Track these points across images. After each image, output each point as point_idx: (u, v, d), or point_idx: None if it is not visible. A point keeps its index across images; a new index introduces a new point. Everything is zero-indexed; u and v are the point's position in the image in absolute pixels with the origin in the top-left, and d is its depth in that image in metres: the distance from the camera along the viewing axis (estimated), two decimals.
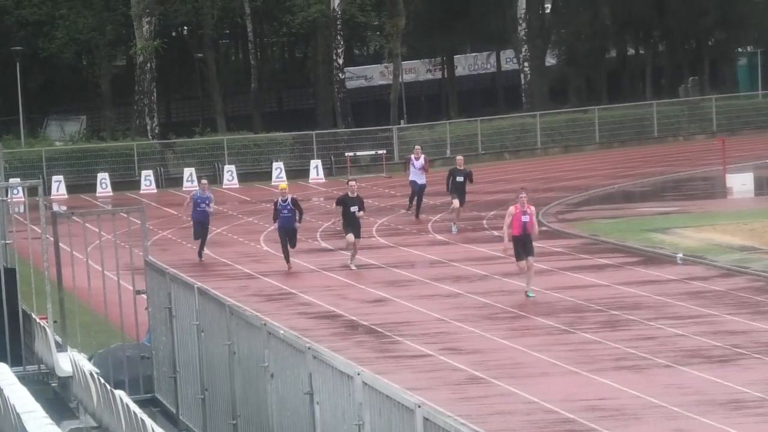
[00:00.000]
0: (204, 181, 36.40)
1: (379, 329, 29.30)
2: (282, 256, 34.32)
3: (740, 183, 54.61)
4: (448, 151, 66.48)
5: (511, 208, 27.38)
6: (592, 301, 33.16)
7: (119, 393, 16.60)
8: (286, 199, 33.12)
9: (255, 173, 66.19)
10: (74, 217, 30.91)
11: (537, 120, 72.08)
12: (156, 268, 21.88)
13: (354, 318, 30.37)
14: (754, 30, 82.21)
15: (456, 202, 36.80)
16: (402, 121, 72.93)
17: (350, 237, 33.48)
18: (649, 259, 38.41)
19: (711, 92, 78.11)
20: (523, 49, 77.98)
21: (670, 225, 46.20)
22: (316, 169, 66.20)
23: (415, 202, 46.05)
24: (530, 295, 27.23)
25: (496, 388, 24.10)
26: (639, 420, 21.91)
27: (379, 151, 68.07)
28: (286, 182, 35.46)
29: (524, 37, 77.71)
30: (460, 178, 36.07)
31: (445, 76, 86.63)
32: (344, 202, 33.59)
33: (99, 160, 66.66)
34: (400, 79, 76.34)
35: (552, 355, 27.28)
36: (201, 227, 34.91)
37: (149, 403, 21.65)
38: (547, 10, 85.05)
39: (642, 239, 41.03)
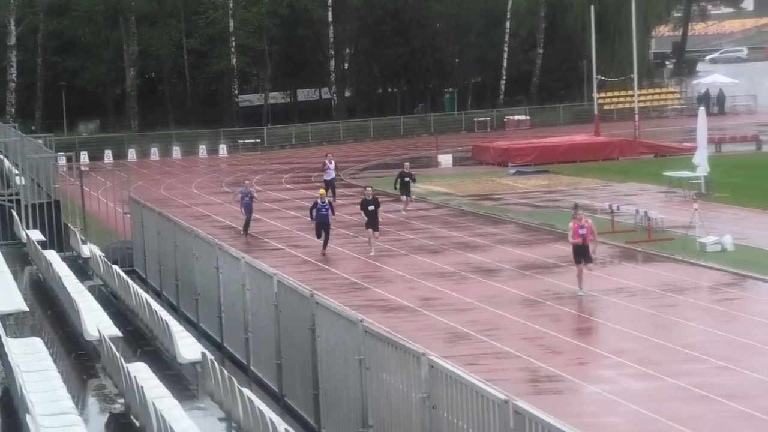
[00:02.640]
0: (247, 181, 40.25)
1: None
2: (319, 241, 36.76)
3: (445, 160, 70.06)
4: (293, 140, 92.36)
5: (570, 224, 28.09)
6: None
7: (115, 267, 25.95)
8: (324, 201, 35.57)
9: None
10: (91, 173, 47.86)
11: (340, 125, 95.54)
12: (135, 201, 31.90)
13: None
14: (453, 78, 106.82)
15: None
16: (269, 124, 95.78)
17: (370, 231, 35.17)
18: (396, 199, 48.51)
19: (431, 112, 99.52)
20: (333, 87, 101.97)
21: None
22: (222, 148, 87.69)
23: (330, 192, 47.27)
24: (580, 293, 28.16)
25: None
26: (390, 282, 33.31)
27: (257, 140, 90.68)
28: (323, 190, 39.80)
29: (333, 81, 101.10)
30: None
31: (292, 100, 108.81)
32: (363, 204, 35.59)
33: (105, 143, 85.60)
34: (267, 101, 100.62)
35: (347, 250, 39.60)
36: (247, 213, 39.42)
37: (131, 272, 29.66)
38: (346, 66, 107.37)
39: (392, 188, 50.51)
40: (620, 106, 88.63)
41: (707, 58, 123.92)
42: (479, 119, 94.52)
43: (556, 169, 61.82)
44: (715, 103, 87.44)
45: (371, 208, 34.24)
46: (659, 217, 39.72)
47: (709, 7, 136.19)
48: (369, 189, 36.62)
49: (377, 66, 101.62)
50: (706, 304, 29.78)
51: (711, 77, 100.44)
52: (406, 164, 38.50)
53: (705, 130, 51.28)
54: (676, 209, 43.80)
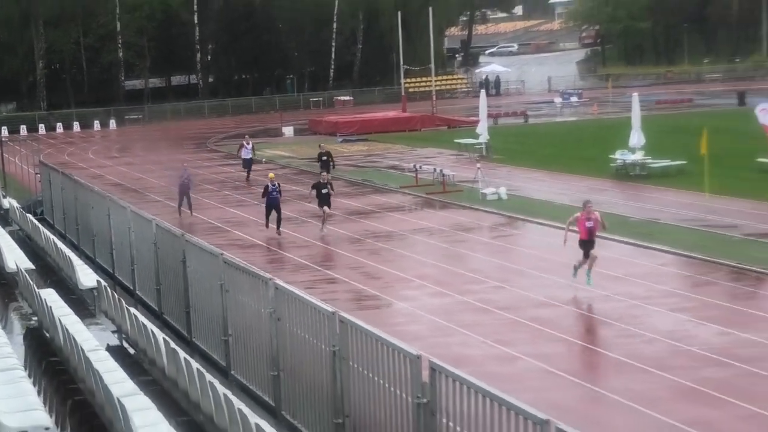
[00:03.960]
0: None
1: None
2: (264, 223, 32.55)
3: (288, 131, 72.24)
4: (168, 116, 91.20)
5: (577, 214, 22.82)
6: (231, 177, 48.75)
7: (29, 215, 29.71)
8: (275, 184, 31.51)
9: None
10: (9, 143, 54.89)
11: (205, 104, 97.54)
12: (44, 164, 35.22)
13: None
14: (293, 67, 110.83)
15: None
16: (149, 103, 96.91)
17: (325, 209, 31.45)
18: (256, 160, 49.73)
19: (276, 93, 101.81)
20: (199, 74, 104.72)
21: (261, 147, 58.34)
22: (112, 123, 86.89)
23: (248, 173, 46.92)
24: (589, 282, 22.17)
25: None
26: (246, 226, 33.45)
27: (139, 116, 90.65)
28: (272, 174, 34.82)
29: (199, 69, 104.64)
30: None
31: (167, 84, 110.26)
32: (317, 186, 31.68)
33: (20, 121, 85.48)
34: (147, 86, 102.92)
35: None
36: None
37: (42, 220, 31.59)
38: (209, 58, 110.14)
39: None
40: (422, 89, 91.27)
41: (487, 52, 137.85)
42: (314, 99, 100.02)
43: (373, 138, 65.67)
44: (493, 87, 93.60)
45: (324, 191, 31.02)
46: (451, 174, 41.56)
47: (488, 12, 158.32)
48: (324, 174, 33.24)
49: (234, 57, 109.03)
50: (486, 239, 31.89)
51: (490, 67, 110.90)
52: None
53: (485, 107, 53.65)
54: (464, 168, 44.69)
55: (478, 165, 38.83)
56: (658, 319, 22.27)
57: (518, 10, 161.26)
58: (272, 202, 30.50)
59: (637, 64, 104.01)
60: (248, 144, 47.85)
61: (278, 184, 31.34)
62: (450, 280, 25.82)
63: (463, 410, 7.46)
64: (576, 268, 21.89)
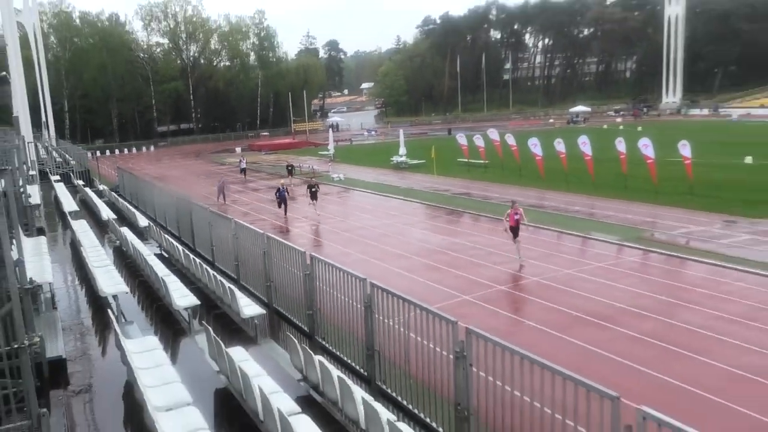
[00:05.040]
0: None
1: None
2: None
3: (238, 149, 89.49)
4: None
5: (508, 211, 20.72)
6: None
7: (113, 192, 29.05)
8: (285, 187, 31.66)
9: None
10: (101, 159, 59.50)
11: (198, 137, 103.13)
12: (119, 168, 36.72)
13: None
14: (239, 119, 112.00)
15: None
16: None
17: (314, 202, 30.71)
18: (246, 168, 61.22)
19: (232, 131, 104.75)
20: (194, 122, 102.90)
21: (224, 158, 73.33)
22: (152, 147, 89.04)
23: (244, 176, 47.88)
24: (521, 258, 20.59)
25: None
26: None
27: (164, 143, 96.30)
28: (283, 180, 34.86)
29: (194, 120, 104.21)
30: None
31: None
32: (309, 186, 31.48)
33: None
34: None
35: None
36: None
37: (119, 195, 29.74)
38: None
39: None
40: (302, 128, 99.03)
41: (332, 111, 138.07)
42: (250, 134, 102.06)
43: (279, 153, 70.96)
44: (335, 128, 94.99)
45: (314, 189, 31.20)
46: (318, 168, 47.51)
47: (332, 92, 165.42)
48: (314, 180, 34.19)
49: (211, 114, 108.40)
50: (335, 198, 36.51)
51: (333, 118, 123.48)
52: (288, 161, 35.99)
53: (332, 137, 62.77)
54: (323, 165, 51.38)
55: (330, 163, 46.70)
56: (414, 231, 26.94)
57: (345, 91, 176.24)
58: (282, 197, 30.83)
59: (401, 116, 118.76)
60: (243, 159, 52.32)
61: (286, 187, 31.68)
62: (326, 229, 29.06)
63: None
64: (518, 250, 20.69)
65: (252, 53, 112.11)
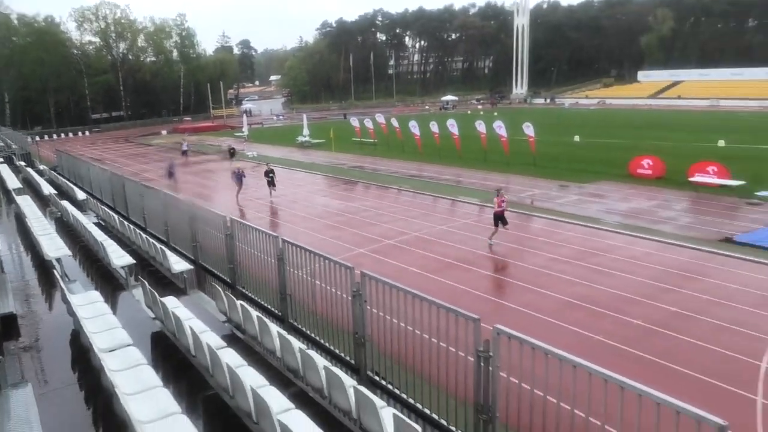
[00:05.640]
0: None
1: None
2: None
3: (164, 132, 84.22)
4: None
5: (495, 199, 17.88)
6: None
7: (52, 171, 27.27)
8: (241, 170, 28.36)
9: None
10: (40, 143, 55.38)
11: (128, 123, 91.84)
12: (58, 150, 34.09)
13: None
14: (164, 106, 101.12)
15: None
16: None
17: (271, 188, 26.54)
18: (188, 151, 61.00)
19: (158, 117, 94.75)
20: (125, 110, 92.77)
21: (152, 140, 67.10)
22: (87, 132, 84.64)
23: (186, 157, 42.75)
24: (491, 243, 17.71)
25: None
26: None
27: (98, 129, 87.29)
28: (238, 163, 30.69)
29: (124, 108, 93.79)
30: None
31: None
32: (266, 173, 26.85)
33: None
34: None
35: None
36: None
37: (58, 173, 28.30)
38: None
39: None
40: (220, 114, 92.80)
41: (245, 99, 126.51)
42: (174, 119, 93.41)
43: (201, 134, 66.07)
44: (249, 113, 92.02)
45: (271, 175, 26.89)
46: (234, 146, 45.43)
47: (245, 83, 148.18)
48: (270, 166, 27.80)
49: (139, 103, 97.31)
50: (250, 173, 33.73)
51: (247, 105, 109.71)
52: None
53: (246, 121, 59.78)
54: (241, 144, 49.36)
55: (245, 143, 45.51)
56: (317, 198, 26.63)
57: (257, 82, 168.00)
58: (238, 179, 27.50)
59: (304, 103, 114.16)
60: (185, 142, 46.47)
61: (242, 170, 28.43)
62: (253, 197, 27.80)
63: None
64: (493, 234, 17.88)
65: (174, 50, 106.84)
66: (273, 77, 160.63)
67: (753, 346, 10.72)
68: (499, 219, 17.97)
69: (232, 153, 41.10)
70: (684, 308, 12.53)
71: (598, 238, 18.14)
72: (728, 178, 24.75)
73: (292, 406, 5.23)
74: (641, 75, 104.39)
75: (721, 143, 38.02)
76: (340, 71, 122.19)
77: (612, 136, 45.05)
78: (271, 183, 26.88)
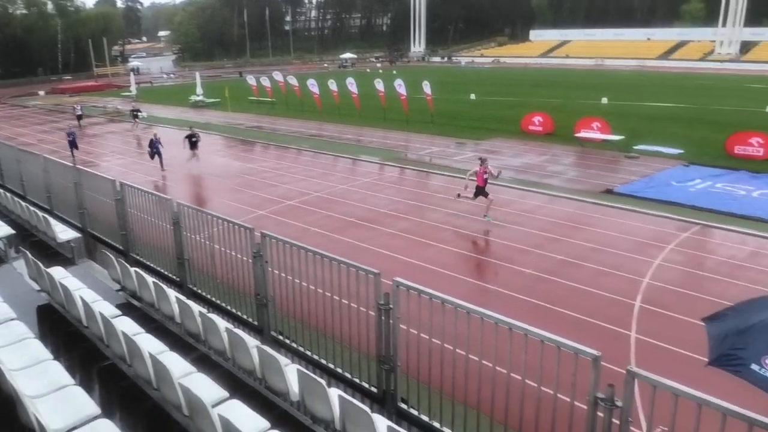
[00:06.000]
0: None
1: None
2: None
3: (41, 92, 78.97)
4: None
5: (478, 168, 15.91)
6: None
7: None
8: (158, 137, 23.53)
9: None
10: None
11: None
12: None
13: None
14: (42, 64, 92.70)
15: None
16: None
17: (195, 151, 23.60)
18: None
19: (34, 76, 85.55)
20: None
21: (29, 101, 58.47)
22: None
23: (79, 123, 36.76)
24: (488, 218, 15.97)
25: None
26: None
27: None
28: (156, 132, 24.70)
29: None
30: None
31: None
32: (189, 137, 23.57)
33: None
34: None
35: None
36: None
37: None
38: None
39: None
40: (105, 72, 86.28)
41: (132, 56, 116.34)
42: (53, 78, 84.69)
43: (84, 95, 59.97)
44: (136, 71, 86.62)
45: (194, 139, 23.57)
46: (121, 108, 43.34)
47: (130, 39, 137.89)
48: (194, 129, 24.45)
49: (10, 60, 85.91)
50: (140, 134, 32.98)
51: (134, 62, 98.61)
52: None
53: (133, 80, 55.98)
54: (129, 104, 46.24)
55: (133, 103, 42.44)
56: (215, 159, 25.68)
57: (144, 38, 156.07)
58: (156, 149, 23.34)
59: (196, 61, 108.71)
60: (78, 105, 39.26)
61: (159, 138, 23.74)
62: (128, 153, 27.71)
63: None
64: (488, 207, 16.12)
65: (49, 2, 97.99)
66: (162, 33, 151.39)
67: (629, 287, 11.75)
68: (481, 193, 16.15)
69: (135, 115, 36.19)
70: (570, 256, 13.46)
71: (493, 193, 18.92)
72: (610, 134, 26.44)
73: (194, 369, 5.22)
74: (533, 34, 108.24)
75: (605, 100, 40.56)
76: (234, 27, 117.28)
77: (506, 94, 46.64)
78: (194, 146, 23.90)
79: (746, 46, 79.92)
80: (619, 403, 3.95)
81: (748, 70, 69.97)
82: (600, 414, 4.07)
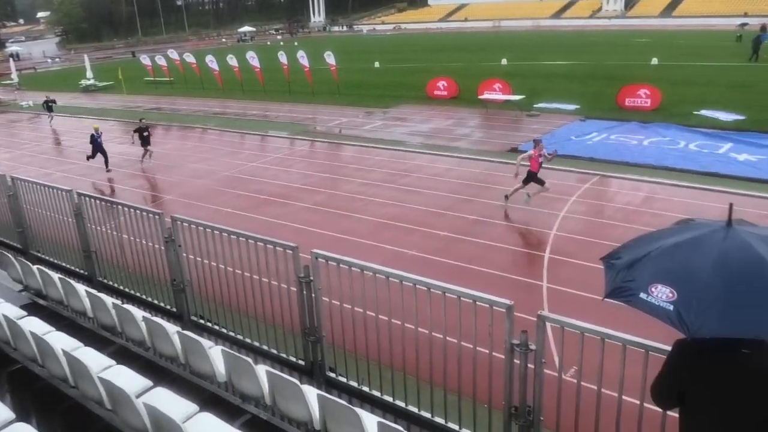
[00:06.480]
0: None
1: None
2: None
3: None
4: None
5: (530, 152, 13.95)
6: None
7: None
8: (100, 133, 19.93)
9: None
10: None
11: None
12: None
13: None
14: None
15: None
16: None
17: (148, 148, 20.87)
18: None
19: None
20: None
21: None
22: None
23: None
24: (527, 199, 14.38)
25: None
26: None
27: None
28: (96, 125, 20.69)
29: None
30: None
31: None
32: (139, 130, 20.71)
33: None
34: None
35: None
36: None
37: None
38: None
39: None
40: None
41: (10, 40, 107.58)
42: None
43: None
44: (16, 57, 79.33)
45: (146, 134, 20.77)
46: (3, 98, 40.10)
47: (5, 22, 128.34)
48: (144, 120, 21.58)
49: None
50: (28, 125, 31.52)
51: (12, 47, 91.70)
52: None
53: (14, 66, 51.58)
54: (11, 94, 43.44)
55: (16, 92, 40.19)
56: (113, 147, 24.20)
57: (21, 20, 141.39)
58: (98, 145, 20.03)
59: (83, 42, 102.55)
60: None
61: (100, 132, 20.36)
62: (19, 146, 26.34)
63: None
64: (534, 192, 14.31)
65: None
66: (41, 14, 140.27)
67: (538, 240, 12.39)
68: (533, 179, 14.18)
69: (50, 107, 30.75)
70: (482, 215, 13.95)
71: (404, 160, 19.18)
72: (511, 94, 27.26)
73: (114, 362, 5.08)
74: None
75: (504, 62, 41.69)
76: (121, 4, 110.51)
77: (409, 61, 46.98)
78: (146, 142, 20.98)
79: (630, 3, 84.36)
80: (533, 347, 4.21)
81: (633, 25, 73.76)
82: (516, 361, 4.34)
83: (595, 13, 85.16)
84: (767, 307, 2.46)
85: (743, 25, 59.41)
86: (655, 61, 37.67)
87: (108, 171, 20.05)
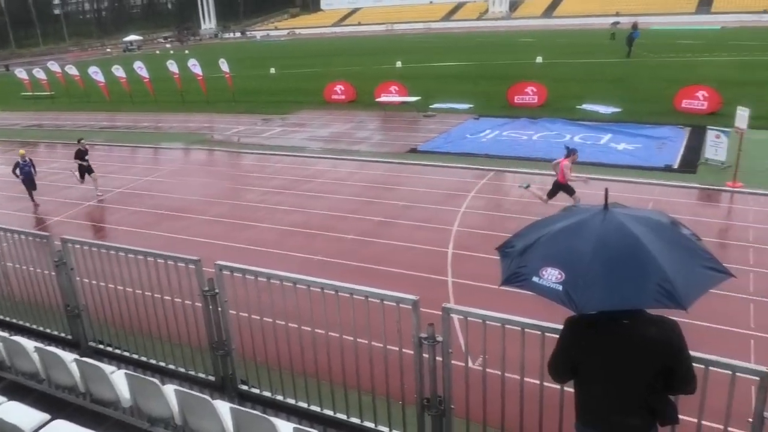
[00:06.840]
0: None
1: None
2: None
3: None
4: None
5: (566, 161, 12.55)
6: None
7: None
8: (26, 160, 16.82)
9: None
10: None
11: None
12: None
13: None
14: None
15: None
16: None
17: (94, 174, 17.64)
18: None
19: None
20: None
21: None
22: None
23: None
24: (527, 186, 13.83)
25: None
26: None
27: None
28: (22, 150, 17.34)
29: None
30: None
31: None
32: (78, 154, 17.63)
33: None
34: None
35: None
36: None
37: None
38: None
39: None
40: None
41: None
42: None
43: None
44: None
45: (87, 157, 17.60)
46: None
47: None
48: (83, 141, 17.89)
49: None
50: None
51: None
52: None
53: None
54: None
55: None
56: None
57: None
58: (27, 175, 16.91)
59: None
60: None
61: (30, 159, 17.21)
62: None
63: None
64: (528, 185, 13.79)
65: None
66: None
67: (441, 237, 12.69)
68: (562, 189, 12.85)
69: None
70: (385, 216, 14.14)
71: (306, 166, 19.08)
72: (407, 96, 27.80)
73: (4, 399, 4.74)
74: (323, 3, 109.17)
75: (399, 64, 42.51)
76: None
77: (305, 66, 46.81)
78: (89, 170, 17.88)
79: (515, 4, 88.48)
80: (439, 339, 4.36)
81: (517, 26, 77.47)
82: (425, 354, 4.46)
83: (482, 15, 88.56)
84: (641, 280, 2.71)
85: (616, 23, 64.07)
86: (539, 59, 39.71)
87: (35, 203, 17.24)
